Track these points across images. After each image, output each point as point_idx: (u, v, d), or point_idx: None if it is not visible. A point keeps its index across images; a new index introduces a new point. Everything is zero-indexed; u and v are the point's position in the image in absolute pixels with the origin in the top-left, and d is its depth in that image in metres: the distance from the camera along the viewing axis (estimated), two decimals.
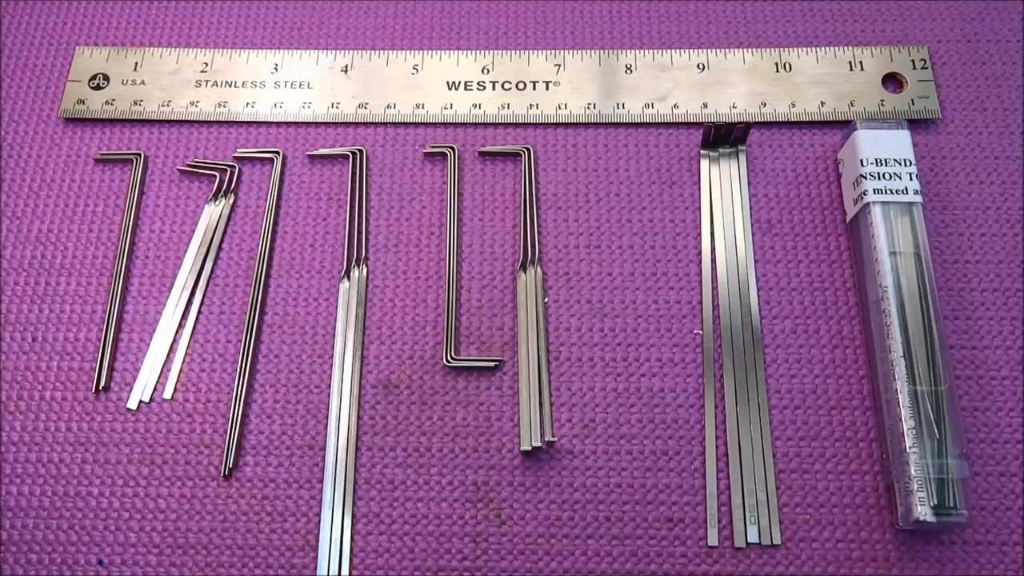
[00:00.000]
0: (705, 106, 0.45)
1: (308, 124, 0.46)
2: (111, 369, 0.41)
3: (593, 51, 0.47)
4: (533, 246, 0.42)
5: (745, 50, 0.47)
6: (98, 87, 0.46)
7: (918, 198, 0.40)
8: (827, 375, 0.40)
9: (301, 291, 0.42)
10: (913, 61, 0.46)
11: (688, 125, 0.45)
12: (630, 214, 0.43)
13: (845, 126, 0.44)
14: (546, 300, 0.42)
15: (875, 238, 0.39)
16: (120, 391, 0.40)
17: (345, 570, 0.37)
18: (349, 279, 0.42)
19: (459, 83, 0.46)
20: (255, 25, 0.49)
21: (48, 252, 0.43)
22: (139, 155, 0.45)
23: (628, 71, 0.46)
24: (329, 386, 0.40)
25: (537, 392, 0.39)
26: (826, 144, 0.45)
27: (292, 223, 0.44)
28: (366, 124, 0.46)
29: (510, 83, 0.46)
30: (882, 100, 0.45)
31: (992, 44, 0.47)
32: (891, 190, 0.40)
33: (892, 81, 0.46)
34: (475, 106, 0.46)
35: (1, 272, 0.43)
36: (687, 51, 0.47)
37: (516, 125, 0.46)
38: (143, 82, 0.47)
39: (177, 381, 0.40)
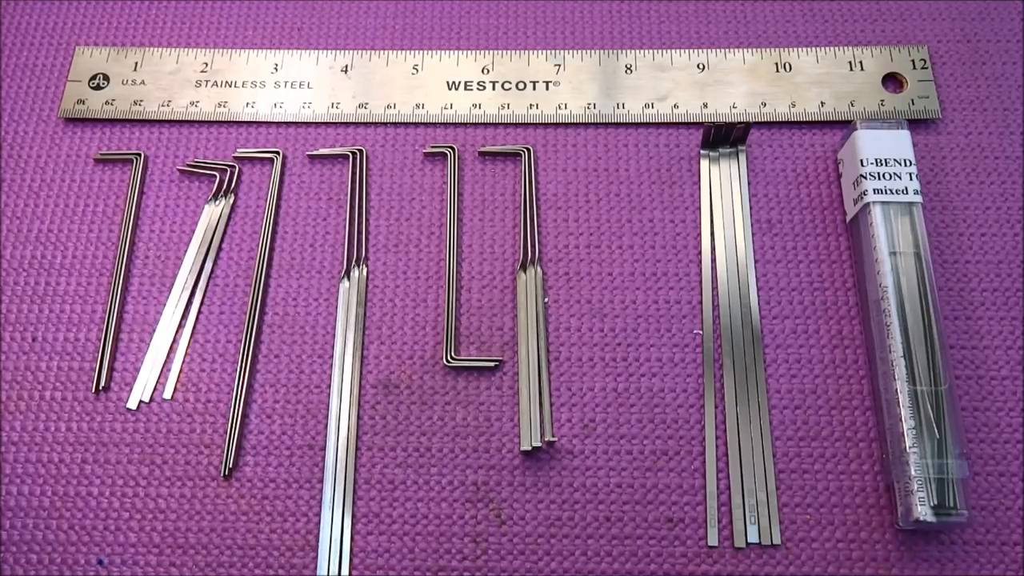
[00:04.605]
0: (705, 106, 0.45)
1: (308, 124, 0.46)
2: (111, 369, 0.41)
3: (593, 51, 0.47)
4: (533, 246, 0.42)
5: (745, 50, 0.47)
6: (98, 87, 0.46)
7: (918, 198, 0.40)
8: (827, 375, 0.40)
9: (301, 291, 0.42)
10: (913, 61, 0.46)
11: (688, 125, 0.45)
12: (630, 214, 0.43)
13: (845, 126, 0.44)
14: (546, 300, 0.42)
15: (875, 238, 0.39)
16: (120, 391, 0.40)
17: (345, 570, 0.37)
18: (349, 279, 0.42)
19: (459, 83, 0.46)
20: (255, 25, 0.49)
21: (48, 252, 0.43)
22: (139, 155, 0.45)
23: (628, 71, 0.46)
24: (329, 386, 0.40)
25: (537, 392, 0.39)
26: (826, 144, 0.45)
27: (292, 223, 0.44)
28: (366, 124, 0.46)
29: (510, 83, 0.46)
30: (882, 100, 0.45)
31: (992, 44, 0.47)
32: (891, 190, 0.40)
33: (892, 81, 0.46)
34: (475, 106, 0.46)
35: (1, 272, 0.43)
36: (687, 51, 0.47)
37: (516, 125, 0.46)
38: (143, 82, 0.47)
39: (177, 381, 0.40)
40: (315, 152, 0.45)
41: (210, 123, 0.46)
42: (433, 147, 0.45)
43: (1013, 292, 0.41)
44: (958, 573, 0.37)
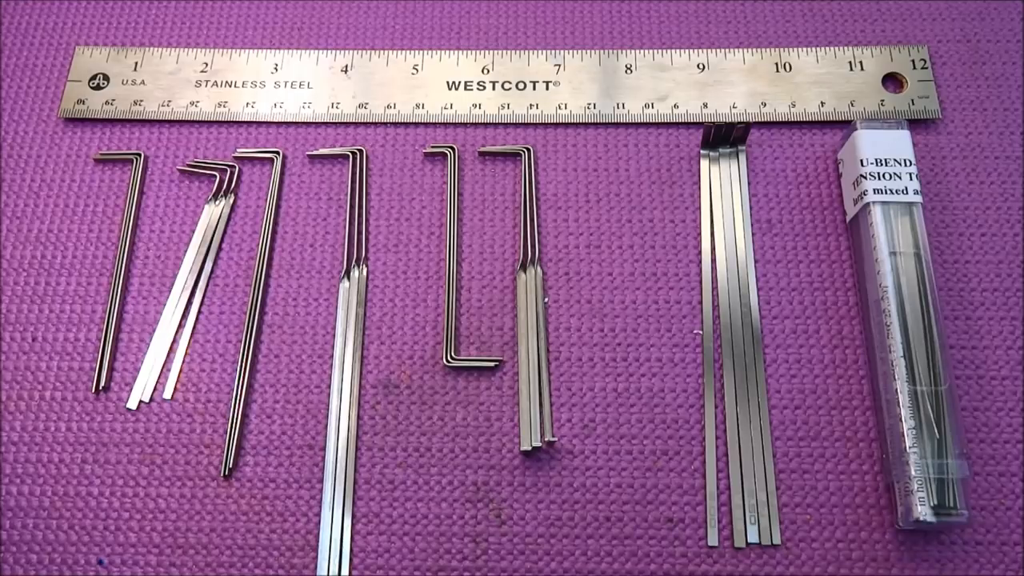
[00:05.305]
0: (705, 106, 0.45)
1: (308, 124, 0.46)
2: (111, 369, 0.41)
3: (593, 51, 0.47)
4: (533, 246, 0.42)
5: (745, 50, 0.47)
6: (98, 87, 0.46)
7: (918, 198, 0.40)
8: (827, 375, 0.40)
9: (301, 291, 0.42)
10: (913, 61, 0.46)
11: (688, 125, 0.45)
12: (630, 214, 0.43)
13: (845, 126, 0.44)
14: (546, 300, 0.42)
15: (875, 238, 0.39)
16: (120, 391, 0.40)
17: (345, 570, 0.37)
18: (349, 279, 0.42)
19: (459, 83, 0.46)
20: (255, 25, 0.49)
21: (48, 252, 0.43)
22: (139, 155, 0.45)
23: (628, 71, 0.46)
24: (329, 386, 0.40)
25: (537, 392, 0.39)
26: (826, 144, 0.45)
27: (292, 223, 0.44)
28: (366, 124, 0.46)
29: (510, 83, 0.46)
30: (882, 100, 0.45)
31: (992, 44, 0.47)
32: (891, 190, 0.40)
33: (892, 81, 0.46)
34: (475, 106, 0.46)
35: (1, 272, 0.43)
36: (687, 51, 0.47)
37: (516, 125, 0.46)
38: (143, 82, 0.47)
39: (177, 381, 0.40)
40: (315, 152, 0.45)
41: (210, 123, 0.46)
42: (433, 147, 0.45)
43: (1013, 292, 0.41)
44: (958, 573, 0.37)
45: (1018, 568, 0.37)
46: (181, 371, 0.41)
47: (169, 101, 0.46)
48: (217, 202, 0.44)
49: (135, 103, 0.46)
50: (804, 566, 0.37)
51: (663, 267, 0.42)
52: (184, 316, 0.42)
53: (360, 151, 0.45)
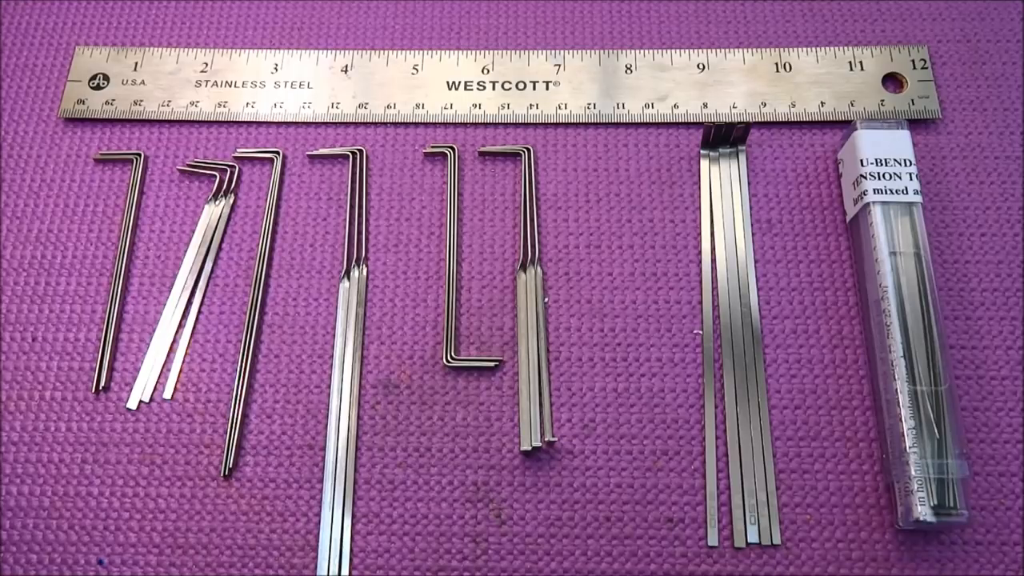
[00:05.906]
0: (705, 106, 0.45)
1: (308, 124, 0.46)
2: (111, 369, 0.41)
3: (593, 51, 0.47)
4: (533, 246, 0.42)
5: (745, 50, 0.47)
6: (98, 87, 0.46)
7: (918, 198, 0.40)
8: (827, 375, 0.40)
9: (301, 291, 0.42)
10: (913, 61, 0.46)
11: (688, 125, 0.45)
12: (630, 214, 0.43)
13: (845, 126, 0.44)
14: (546, 300, 0.42)
15: (875, 238, 0.39)
16: (120, 391, 0.40)
17: (345, 570, 0.37)
18: (349, 279, 0.42)
19: (459, 83, 0.46)
20: (255, 25, 0.49)
21: (48, 252, 0.43)
22: (139, 155, 0.45)
23: (628, 71, 0.46)
24: (329, 386, 0.40)
25: (537, 392, 0.39)
26: (826, 144, 0.45)
27: (292, 223, 0.44)
28: (366, 124, 0.46)
29: (510, 83, 0.46)
30: (882, 100, 0.45)
31: (992, 44, 0.47)
32: (891, 190, 0.40)
33: (892, 81, 0.46)
34: (475, 106, 0.46)
35: (1, 272, 0.43)
36: (687, 51, 0.47)
37: (516, 125, 0.46)
38: (143, 82, 0.47)
39: (177, 381, 0.40)
40: (315, 152, 0.45)
41: (210, 123, 0.46)
42: (433, 147, 0.45)
43: (1013, 292, 0.41)
44: (958, 573, 0.37)
45: (1018, 568, 0.37)
46: (181, 371, 0.41)
47: (169, 101, 0.46)
48: (217, 202, 0.44)
49: (135, 103, 0.46)
50: (804, 566, 0.37)
51: (663, 267, 0.42)
52: (184, 316, 0.42)
53: (360, 151, 0.45)
